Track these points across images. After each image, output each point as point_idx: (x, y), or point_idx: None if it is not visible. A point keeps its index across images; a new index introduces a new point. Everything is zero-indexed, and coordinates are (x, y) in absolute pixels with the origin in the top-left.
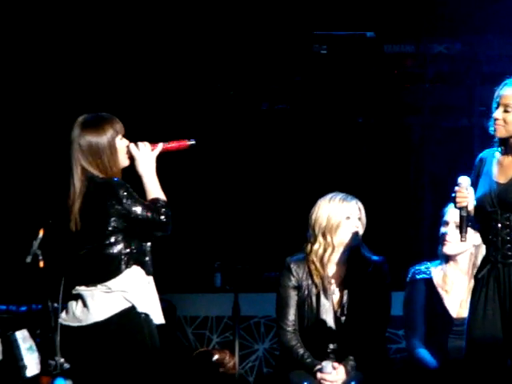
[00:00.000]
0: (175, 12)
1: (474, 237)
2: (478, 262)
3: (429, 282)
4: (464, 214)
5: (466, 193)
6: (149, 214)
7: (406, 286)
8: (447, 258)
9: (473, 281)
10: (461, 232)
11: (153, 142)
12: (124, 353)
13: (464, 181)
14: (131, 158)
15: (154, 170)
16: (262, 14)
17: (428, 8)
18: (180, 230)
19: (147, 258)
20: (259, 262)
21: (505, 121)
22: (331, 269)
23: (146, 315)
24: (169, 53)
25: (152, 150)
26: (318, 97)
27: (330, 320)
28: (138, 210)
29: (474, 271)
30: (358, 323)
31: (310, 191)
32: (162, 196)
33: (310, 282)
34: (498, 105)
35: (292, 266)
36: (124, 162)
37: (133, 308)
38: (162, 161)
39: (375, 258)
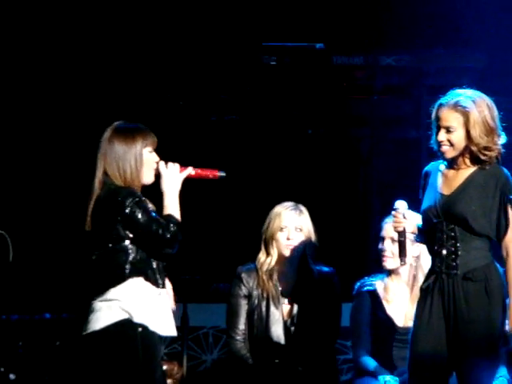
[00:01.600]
0: (126, 21)
1: (413, 249)
2: (419, 273)
3: (373, 294)
4: (402, 238)
5: (401, 217)
6: (154, 227)
7: (353, 298)
8: (389, 271)
9: (414, 291)
10: (400, 256)
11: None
12: (114, 363)
13: (401, 205)
14: (157, 175)
15: (177, 191)
16: (212, 25)
17: (377, 20)
18: None
19: (156, 270)
20: (208, 273)
21: (450, 141)
22: (281, 279)
23: (144, 327)
24: (121, 62)
25: (180, 171)
26: (267, 108)
27: (279, 330)
28: (144, 220)
29: (415, 282)
30: (308, 334)
31: (259, 202)
32: (176, 215)
33: (260, 291)
34: (439, 127)
35: (243, 275)
36: (148, 176)
37: (129, 319)
38: None
39: (325, 269)
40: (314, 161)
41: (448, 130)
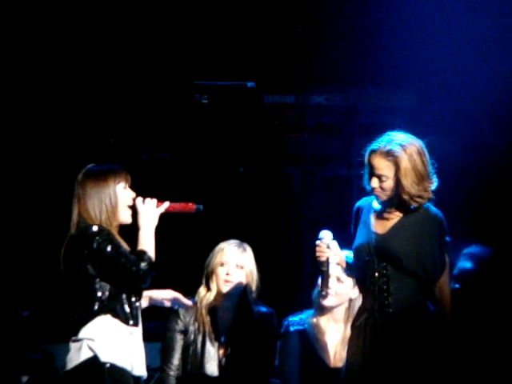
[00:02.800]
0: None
1: (351, 291)
2: (353, 313)
3: (302, 333)
4: (324, 268)
5: (325, 247)
6: (122, 261)
7: (280, 338)
8: (322, 309)
9: (348, 330)
10: (321, 287)
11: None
12: None
13: (325, 235)
14: (134, 212)
15: (153, 226)
16: (142, 63)
17: (308, 60)
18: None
19: (126, 308)
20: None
21: (382, 188)
22: (219, 316)
23: (112, 366)
24: (51, 98)
25: (157, 206)
26: (199, 146)
27: (213, 368)
28: (112, 254)
29: (349, 321)
30: (242, 373)
31: (191, 240)
32: (149, 252)
33: (196, 327)
34: (372, 174)
35: (180, 310)
36: (125, 214)
37: (95, 357)
38: None
39: (264, 309)
40: (246, 199)
41: (380, 178)
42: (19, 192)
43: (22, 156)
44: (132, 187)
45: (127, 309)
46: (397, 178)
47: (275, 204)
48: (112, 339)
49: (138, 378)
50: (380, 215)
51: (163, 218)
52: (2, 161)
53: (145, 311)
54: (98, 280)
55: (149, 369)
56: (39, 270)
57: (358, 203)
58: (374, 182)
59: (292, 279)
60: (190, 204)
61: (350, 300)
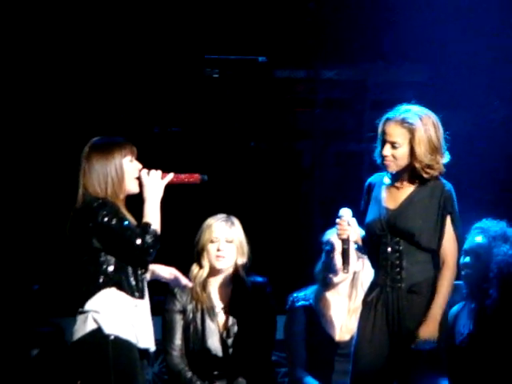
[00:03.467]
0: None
1: (356, 264)
2: (358, 286)
3: (308, 308)
4: (345, 246)
5: (346, 225)
6: (128, 234)
7: (286, 314)
8: (326, 284)
9: (352, 304)
10: (343, 264)
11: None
12: (87, 372)
13: (345, 213)
14: (140, 184)
15: (158, 198)
16: (153, 38)
17: (319, 34)
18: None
19: (132, 281)
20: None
21: (394, 156)
22: (214, 291)
23: (116, 337)
24: (62, 72)
25: (162, 178)
26: (209, 120)
27: (215, 343)
28: (117, 228)
29: (354, 295)
30: (244, 345)
31: (200, 214)
32: (154, 224)
33: (194, 305)
34: (384, 142)
35: (176, 290)
36: (133, 185)
37: (99, 329)
38: None
39: (258, 279)
40: (257, 173)
41: (393, 146)
42: (28, 166)
43: (30, 129)
44: (143, 161)
45: (133, 281)
46: (410, 146)
47: (285, 179)
48: (117, 311)
49: (145, 351)
50: (391, 190)
51: (170, 192)
52: (10, 131)
53: (153, 284)
54: (103, 253)
55: (159, 343)
56: (49, 244)
57: (370, 179)
58: (387, 150)
59: (302, 255)
60: (195, 175)
61: (354, 273)
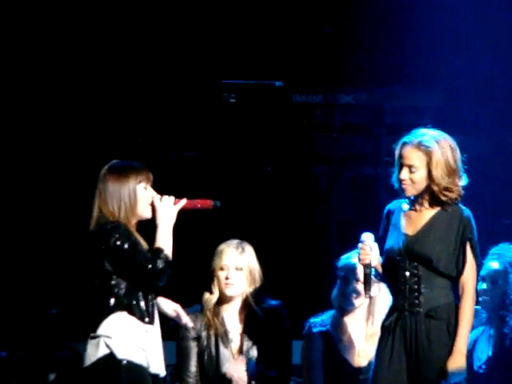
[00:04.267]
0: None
1: (373, 288)
2: (375, 311)
3: (325, 334)
4: (368, 271)
5: (368, 250)
6: (139, 258)
7: (303, 339)
8: (343, 309)
9: (369, 329)
10: (365, 289)
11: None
12: None
13: (367, 238)
14: (154, 210)
15: (171, 223)
16: (170, 62)
17: (336, 59)
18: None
19: (143, 306)
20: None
21: (412, 180)
22: (227, 317)
23: (129, 362)
24: (83, 94)
25: (175, 204)
26: (227, 145)
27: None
28: (129, 251)
29: (371, 320)
30: (259, 369)
31: (217, 239)
32: (166, 250)
33: (207, 332)
34: (402, 165)
35: (191, 316)
36: (146, 211)
37: (111, 355)
38: None
39: (272, 302)
40: (273, 198)
41: (410, 169)
42: (46, 188)
43: (48, 151)
44: (159, 185)
45: (143, 306)
46: (428, 168)
47: (302, 203)
48: (128, 336)
49: (155, 376)
50: (410, 216)
51: (186, 217)
52: (26, 154)
53: None
54: (114, 276)
55: (175, 368)
56: (67, 267)
57: (389, 206)
58: (404, 174)
59: (319, 280)
60: (208, 200)
61: (371, 298)
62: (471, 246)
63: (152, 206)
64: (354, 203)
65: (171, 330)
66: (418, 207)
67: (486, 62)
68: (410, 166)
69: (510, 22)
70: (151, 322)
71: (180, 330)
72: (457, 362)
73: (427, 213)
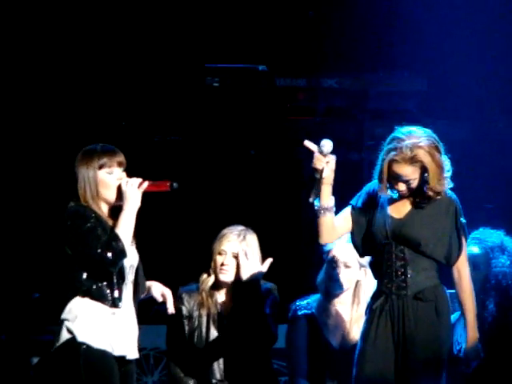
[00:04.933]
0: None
1: (358, 273)
2: (360, 295)
3: (310, 317)
4: (317, 176)
5: (322, 158)
6: (91, 243)
7: (288, 322)
8: (329, 294)
9: (355, 313)
10: (312, 194)
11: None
12: (59, 381)
13: (326, 144)
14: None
15: (135, 207)
16: (154, 46)
17: (319, 43)
18: None
19: (105, 289)
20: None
21: (409, 190)
22: (221, 299)
23: (88, 347)
24: (64, 79)
25: (138, 187)
26: (210, 129)
27: (219, 350)
28: (82, 234)
29: (356, 304)
30: (244, 350)
31: (201, 223)
32: (124, 236)
33: (200, 312)
34: (397, 181)
35: (184, 295)
36: (109, 196)
37: (73, 339)
38: None
39: (266, 285)
40: (257, 182)
41: (407, 182)
42: (27, 172)
43: (31, 136)
44: (142, 170)
45: (106, 290)
46: (422, 175)
47: (286, 188)
48: (90, 320)
49: (122, 358)
50: (396, 199)
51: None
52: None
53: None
54: (77, 262)
55: (159, 351)
56: (48, 251)
57: (374, 184)
58: (402, 187)
59: (304, 263)
60: (166, 182)
61: (357, 282)
62: (463, 231)
63: (119, 190)
64: (337, 187)
65: (159, 313)
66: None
67: (471, 46)
68: (407, 181)
69: (496, 6)
70: (115, 305)
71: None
72: (474, 349)
73: (413, 197)
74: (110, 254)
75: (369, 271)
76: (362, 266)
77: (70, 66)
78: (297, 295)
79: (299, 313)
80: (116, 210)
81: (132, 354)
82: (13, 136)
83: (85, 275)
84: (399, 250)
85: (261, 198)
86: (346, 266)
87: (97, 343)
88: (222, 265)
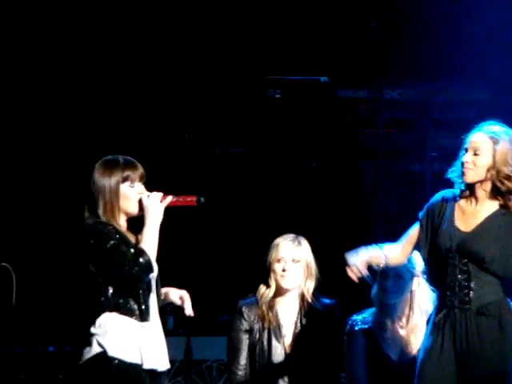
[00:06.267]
0: (127, 49)
1: (411, 283)
2: (414, 306)
3: (367, 332)
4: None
5: (357, 272)
6: (118, 260)
7: (345, 337)
8: (383, 306)
9: (410, 324)
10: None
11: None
12: None
13: (353, 260)
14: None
15: (157, 221)
16: (216, 59)
17: (381, 54)
18: None
19: (132, 304)
20: (212, 306)
21: (474, 164)
22: (281, 311)
23: (120, 361)
24: (124, 95)
25: (161, 201)
26: (272, 141)
27: (281, 363)
28: (107, 251)
29: (411, 315)
30: (311, 367)
31: (263, 235)
32: (149, 251)
33: (261, 325)
34: (467, 150)
35: (244, 309)
36: (130, 209)
37: (104, 353)
38: None
39: (327, 301)
40: (319, 193)
41: (475, 153)
42: (46, 182)
43: (82, 153)
44: (202, 181)
45: (133, 304)
46: (492, 155)
47: (347, 199)
48: (120, 334)
49: (154, 371)
50: (464, 211)
51: (228, 215)
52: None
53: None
54: (102, 278)
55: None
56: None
57: (443, 194)
58: (468, 156)
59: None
60: (193, 197)
61: (411, 292)
62: None
63: (140, 203)
64: (400, 198)
65: (222, 324)
66: (473, 201)
67: None
68: (475, 149)
69: None
70: (143, 319)
71: (233, 321)
72: None
73: (484, 210)
74: (137, 270)
75: (422, 281)
76: (415, 275)
77: (128, 82)
78: (354, 309)
79: (356, 328)
80: (132, 221)
81: (162, 365)
82: (35, 148)
83: (111, 290)
84: (463, 264)
85: (323, 209)
86: (397, 276)
87: (128, 357)
88: (284, 271)
